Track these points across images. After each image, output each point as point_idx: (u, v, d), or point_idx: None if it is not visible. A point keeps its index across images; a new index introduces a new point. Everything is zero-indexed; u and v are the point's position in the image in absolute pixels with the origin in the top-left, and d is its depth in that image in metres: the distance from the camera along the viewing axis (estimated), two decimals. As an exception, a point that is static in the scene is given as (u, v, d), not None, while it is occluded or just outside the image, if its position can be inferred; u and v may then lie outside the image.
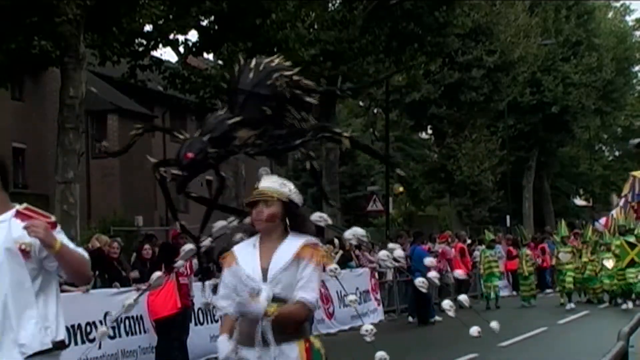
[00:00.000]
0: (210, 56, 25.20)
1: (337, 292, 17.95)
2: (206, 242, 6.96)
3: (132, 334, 12.39)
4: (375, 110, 43.69)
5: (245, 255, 4.70)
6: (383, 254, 6.50)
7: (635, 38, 55.55)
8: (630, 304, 20.47)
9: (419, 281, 6.22)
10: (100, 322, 11.75)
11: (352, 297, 6.28)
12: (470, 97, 34.73)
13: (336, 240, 20.47)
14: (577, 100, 42.74)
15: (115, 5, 16.81)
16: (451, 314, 5.90)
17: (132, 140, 7.02)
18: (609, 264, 21.44)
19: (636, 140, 30.21)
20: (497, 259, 23.79)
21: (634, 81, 56.89)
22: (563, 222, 23.98)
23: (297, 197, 4.73)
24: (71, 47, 16.15)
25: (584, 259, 22.54)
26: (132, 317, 12.40)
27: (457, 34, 29.22)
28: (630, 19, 56.95)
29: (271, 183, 4.79)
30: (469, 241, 25.96)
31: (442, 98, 34.87)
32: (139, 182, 31.83)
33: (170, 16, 18.89)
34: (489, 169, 38.35)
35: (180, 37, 21.28)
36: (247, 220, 7.13)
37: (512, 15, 35.45)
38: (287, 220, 4.70)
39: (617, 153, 62.15)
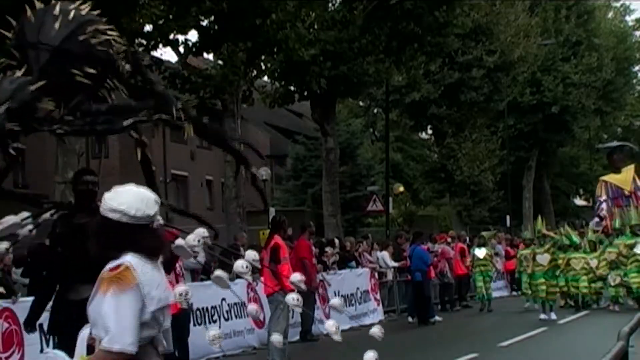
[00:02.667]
0: (210, 56, 25.20)
1: (334, 293, 17.95)
2: None
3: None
4: (375, 110, 43.71)
5: None
6: (191, 238, 5.34)
7: (635, 38, 55.55)
8: None
9: (291, 298, 5.45)
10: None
11: (214, 332, 5.27)
12: (470, 97, 34.75)
13: (336, 241, 20.48)
14: (577, 100, 42.75)
15: (115, 6, 16.79)
16: (336, 337, 5.38)
17: None
18: (578, 264, 20.39)
19: (609, 145, 28.97)
20: (489, 257, 22.67)
21: (634, 81, 56.87)
22: (539, 218, 21.53)
23: (114, 214, 3.66)
24: (71, 47, 16.14)
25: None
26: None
27: (457, 34, 29.20)
28: (630, 19, 57.01)
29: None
30: (469, 242, 25.92)
31: (442, 98, 34.88)
32: (139, 182, 31.75)
33: (170, 16, 18.88)
34: (489, 169, 38.37)
35: (180, 37, 21.27)
36: (46, 216, 5.92)
37: (512, 15, 35.46)
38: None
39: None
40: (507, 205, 40.39)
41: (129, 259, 3.65)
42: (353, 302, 18.72)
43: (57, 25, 5.36)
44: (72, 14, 5.42)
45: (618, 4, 55.73)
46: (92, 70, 5.43)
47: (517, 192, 43.85)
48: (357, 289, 19.00)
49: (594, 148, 57.46)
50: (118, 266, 3.62)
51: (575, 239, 20.96)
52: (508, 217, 38.57)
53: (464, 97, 34.72)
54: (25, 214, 5.70)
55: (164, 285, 3.74)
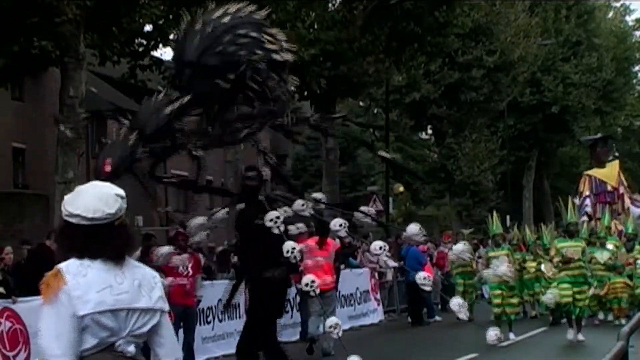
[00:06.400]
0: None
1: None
2: None
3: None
4: (375, 110, 43.70)
5: None
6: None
7: (635, 38, 55.54)
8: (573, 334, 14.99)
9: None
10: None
11: None
12: (470, 97, 34.74)
13: (337, 240, 20.46)
14: (577, 100, 42.76)
15: (115, 6, 16.81)
16: (334, 336, 5.80)
17: None
18: (547, 269, 16.13)
19: (592, 137, 27.68)
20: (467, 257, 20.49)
21: (634, 81, 56.87)
22: (495, 214, 17.54)
23: (72, 218, 3.58)
24: (71, 47, 16.16)
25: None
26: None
27: (457, 34, 29.22)
28: (630, 19, 57.00)
29: None
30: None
31: (442, 98, 34.88)
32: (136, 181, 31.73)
33: (170, 16, 18.90)
34: (489, 169, 38.37)
35: (181, 37, 21.24)
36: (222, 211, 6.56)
37: (512, 15, 35.45)
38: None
39: (617, 153, 62.15)
40: (507, 205, 40.37)
41: (67, 262, 3.53)
42: (353, 302, 18.72)
43: (196, 41, 5.81)
44: (210, 26, 5.83)
45: (618, 4, 55.79)
46: (231, 75, 5.93)
47: (517, 192, 43.84)
48: (357, 289, 18.99)
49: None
50: (54, 271, 3.52)
51: (546, 241, 18.14)
52: (508, 217, 38.58)
53: (464, 97, 34.72)
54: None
55: (118, 288, 3.54)
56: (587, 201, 22.74)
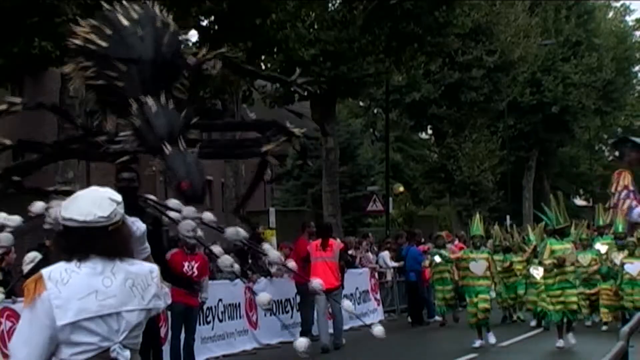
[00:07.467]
0: (211, 56, 25.12)
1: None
2: None
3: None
4: (375, 110, 43.72)
5: None
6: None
7: (635, 38, 55.61)
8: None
9: (347, 305, 5.91)
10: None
11: None
12: (470, 97, 34.75)
13: (338, 240, 20.47)
14: (577, 100, 42.80)
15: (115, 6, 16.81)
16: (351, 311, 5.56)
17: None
18: (538, 273, 15.45)
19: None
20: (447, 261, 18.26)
21: (634, 81, 56.92)
22: (478, 216, 16.27)
23: (66, 222, 3.57)
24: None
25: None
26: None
27: (457, 34, 29.19)
28: (630, 19, 57.10)
29: None
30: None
31: (442, 98, 34.89)
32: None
33: (171, 16, 18.90)
34: (489, 169, 38.41)
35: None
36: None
37: (512, 15, 35.47)
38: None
39: (617, 153, 62.13)
40: (507, 205, 40.40)
41: (52, 267, 3.50)
42: (353, 302, 18.71)
43: (166, 40, 5.43)
44: (171, 26, 5.59)
45: (618, 4, 55.95)
46: (186, 82, 5.56)
47: (517, 192, 43.87)
48: (357, 289, 19.00)
49: (594, 148, 57.60)
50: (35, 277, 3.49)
51: (534, 238, 17.34)
52: (508, 217, 38.59)
53: (464, 97, 34.73)
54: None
55: (104, 293, 3.48)
56: (632, 195, 22.39)
